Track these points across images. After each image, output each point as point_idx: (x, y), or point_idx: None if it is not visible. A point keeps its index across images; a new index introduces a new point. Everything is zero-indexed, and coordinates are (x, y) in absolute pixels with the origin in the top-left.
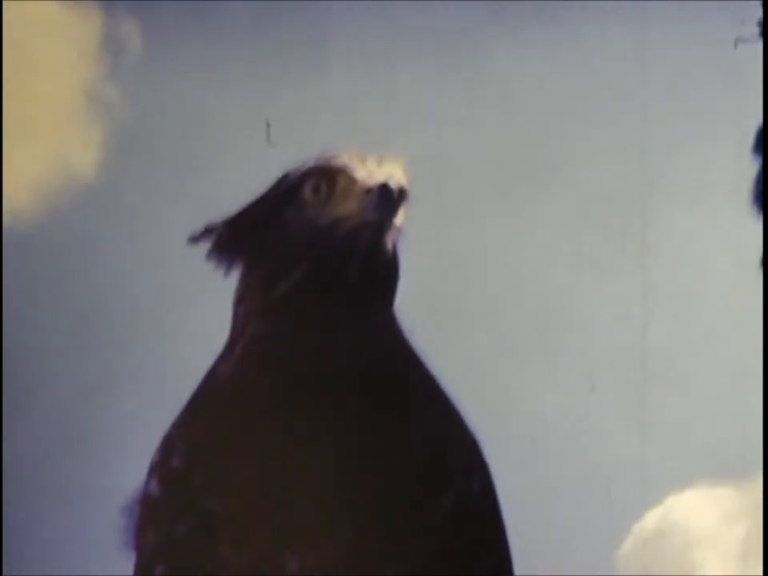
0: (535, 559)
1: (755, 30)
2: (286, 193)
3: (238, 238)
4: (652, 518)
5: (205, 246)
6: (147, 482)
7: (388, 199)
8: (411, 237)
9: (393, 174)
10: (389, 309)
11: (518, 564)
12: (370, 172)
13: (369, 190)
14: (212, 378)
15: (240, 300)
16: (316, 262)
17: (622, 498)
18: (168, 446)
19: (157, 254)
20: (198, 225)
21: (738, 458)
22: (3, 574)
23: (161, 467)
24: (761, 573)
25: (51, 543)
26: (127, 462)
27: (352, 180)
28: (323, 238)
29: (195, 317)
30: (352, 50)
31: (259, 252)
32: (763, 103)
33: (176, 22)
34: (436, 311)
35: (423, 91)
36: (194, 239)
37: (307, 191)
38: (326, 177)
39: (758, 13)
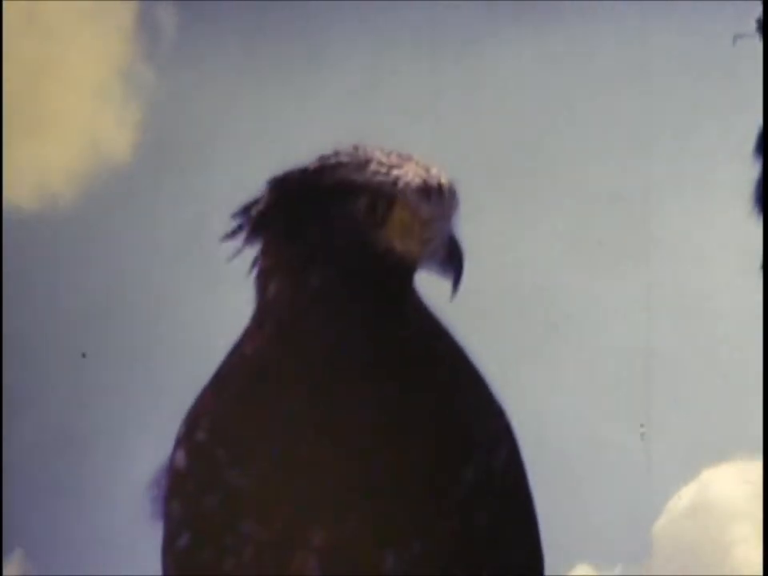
0: (570, 536)
1: (753, 26)
2: (335, 191)
3: (273, 213)
4: (688, 494)
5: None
6: (173, 454)
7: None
8: None
9: (451, 211)
10: (413, 285)
11: (553, 543)
12: (432, 211)
13: (430, 240)
14: (239, 354)
15: (268, 274)
16: (359, 270)
17: (658, 475)
18: (194, 419)
19: (188, 240)
20: (233, 205)
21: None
22: (3, 574)
23: (187, 440)
24: (761, 573)
25: (50, 542)
26: (127, 461)
27: (414, 215)
28: (375, 260)
29: (213, 305)
30: (352, 49)
31: (296, 232)
32: (763, 104)
33: (211, 4)
34: (437, 313)
35: (423, 91)
36: (229, 235)
37: (362, 205)
38: (384, 199)
39: (757, 9)
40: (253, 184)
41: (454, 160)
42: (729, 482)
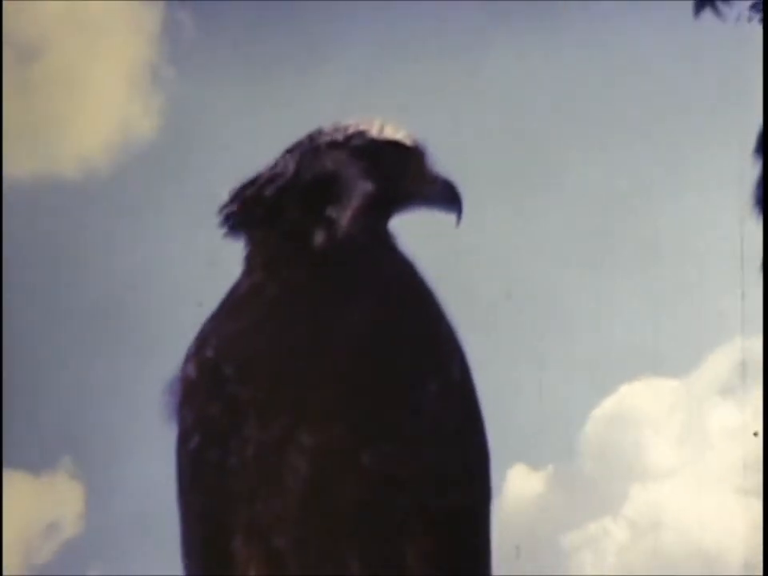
0: (509, 440)
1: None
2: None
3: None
4: (608, 405)
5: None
6: (185, 366)
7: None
8: (413, 235)
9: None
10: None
11: (495, 445)
12: (432, 165)
13: (436, 180)
14: (238, 290)
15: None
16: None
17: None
18: (203, 338)
19: (204, 204)
20: (239, 177)
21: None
22: (3, 574)
23: (197, 355)
24: (761, 573)
25: (98, 448)
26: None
27: (425, 164)
28: (362, 210)
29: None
30: (353, 50)
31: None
32: (763, 106)
33: (224, 11)
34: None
35: (425, 91)
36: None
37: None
38: (404, 154)
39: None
40: (258, 161)
41: (456, 158)
42: (641, 396)
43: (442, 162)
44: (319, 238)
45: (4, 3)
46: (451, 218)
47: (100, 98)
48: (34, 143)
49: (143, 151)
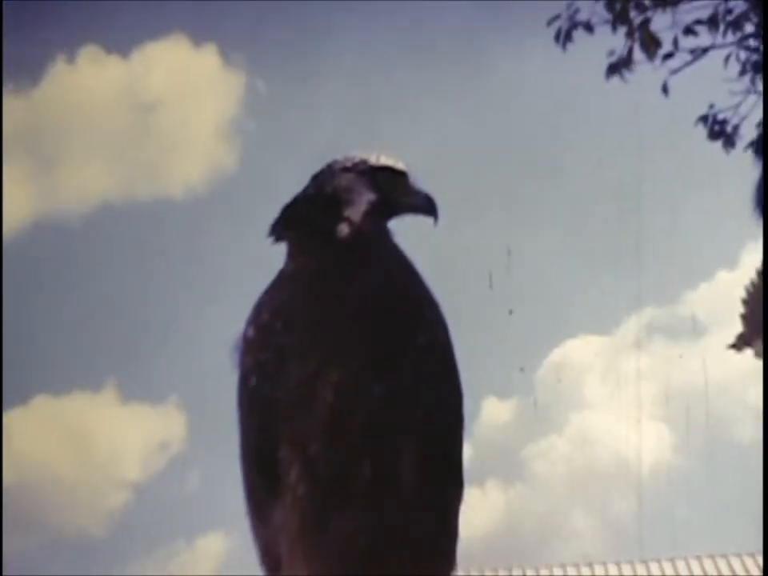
0: (480, 378)
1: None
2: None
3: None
4: (556, 354)
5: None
6: (246, 329)
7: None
8: (412, 234)
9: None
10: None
11: (467, 384)
12: (415, 183)
13: (419, 192)
14: (282, 274)
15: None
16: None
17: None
18: (260, 307)
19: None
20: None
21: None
22: (3, 574)
23: (255, 320)
24: (761, 573)
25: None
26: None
27: (411, 181)
28: (378, 216)
29: None
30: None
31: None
32: (763, 106)
33: (290, 79)
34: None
35: (424, 93)
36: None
37: (384, 180)
38: (397, 175)
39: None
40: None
41: (453, 160)
42: (582, 350)
43: (441, 162)
44: (344, 229)
45: (129, 67)
46: (446, 216)
47: (198, 141)
48: (152, 173)
49: (228, 180)
